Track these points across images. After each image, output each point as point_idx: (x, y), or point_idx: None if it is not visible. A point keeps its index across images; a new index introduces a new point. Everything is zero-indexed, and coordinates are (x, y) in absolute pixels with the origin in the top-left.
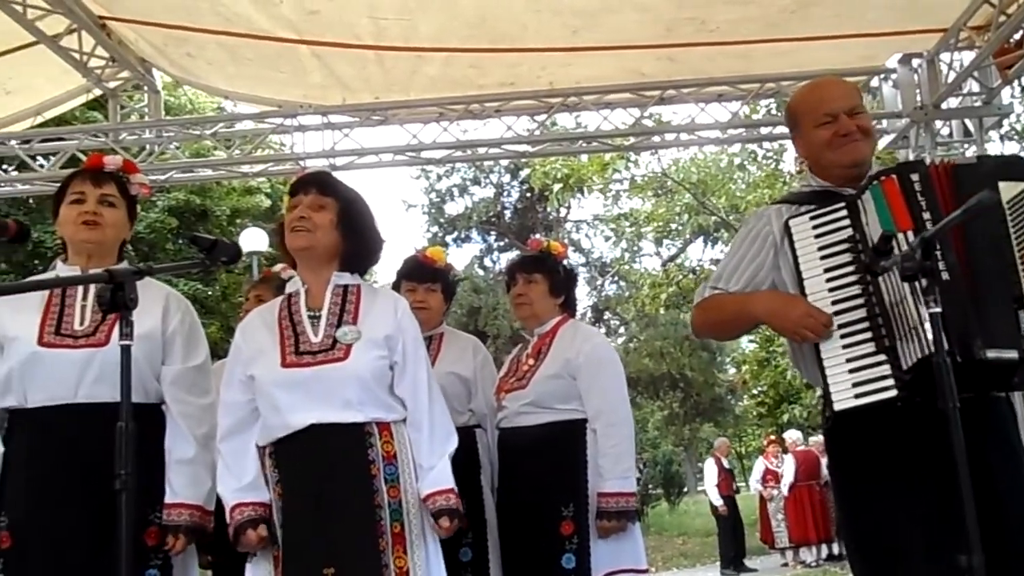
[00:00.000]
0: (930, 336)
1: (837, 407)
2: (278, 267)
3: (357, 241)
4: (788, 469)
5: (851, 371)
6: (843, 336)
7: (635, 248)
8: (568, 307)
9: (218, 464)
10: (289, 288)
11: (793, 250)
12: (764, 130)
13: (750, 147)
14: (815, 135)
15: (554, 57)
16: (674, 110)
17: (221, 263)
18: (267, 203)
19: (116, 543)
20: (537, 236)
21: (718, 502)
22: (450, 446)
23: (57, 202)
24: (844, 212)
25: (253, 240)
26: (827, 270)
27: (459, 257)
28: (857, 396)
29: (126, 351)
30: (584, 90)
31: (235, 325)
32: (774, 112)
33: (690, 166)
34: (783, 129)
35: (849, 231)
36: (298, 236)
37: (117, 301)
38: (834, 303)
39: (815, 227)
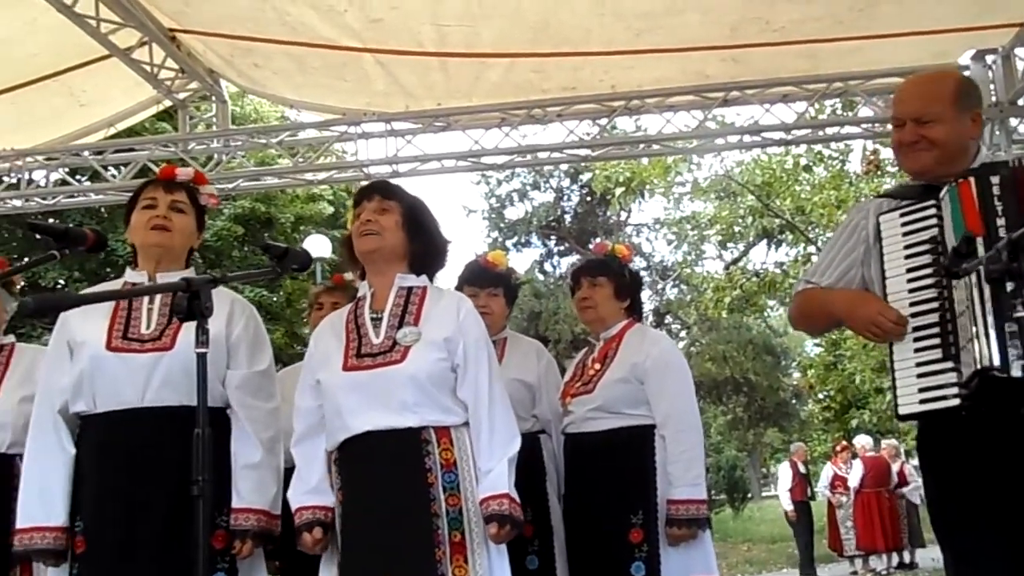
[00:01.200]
0: (986, 349)
1: (901, 411)
2: (350, 275)
3: (423, 242)
4: (855, 474)
5: (919, 376)
6: (916, 340)
7: (698, 251)
8: (634, 311)
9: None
10: (359, 293)
11: (881, 247)
12: (830, 130)
13: (816, 148)
14: (892, 136)
15: (616, 60)
16: (737, 111)
17: (292, 271)
18: (330, 210)
19: (192, 547)
20: (602, 240)
21: (789, 507)
22: (511, 449)
23: (129, 209)
24: (934, 211)
25: (316, 246)
26: (909, 270)
27: (519, 262)
28: (922, 402)
29: (202, 358)
30: (646, 93)
31: (299, 331)
32: (839, 112)
33: (754, 168)
34: (850, 129)
35: (935, 231)
36: (367, 239)
37: (193, 309)
38: (912, 304)
39: (904, 224)
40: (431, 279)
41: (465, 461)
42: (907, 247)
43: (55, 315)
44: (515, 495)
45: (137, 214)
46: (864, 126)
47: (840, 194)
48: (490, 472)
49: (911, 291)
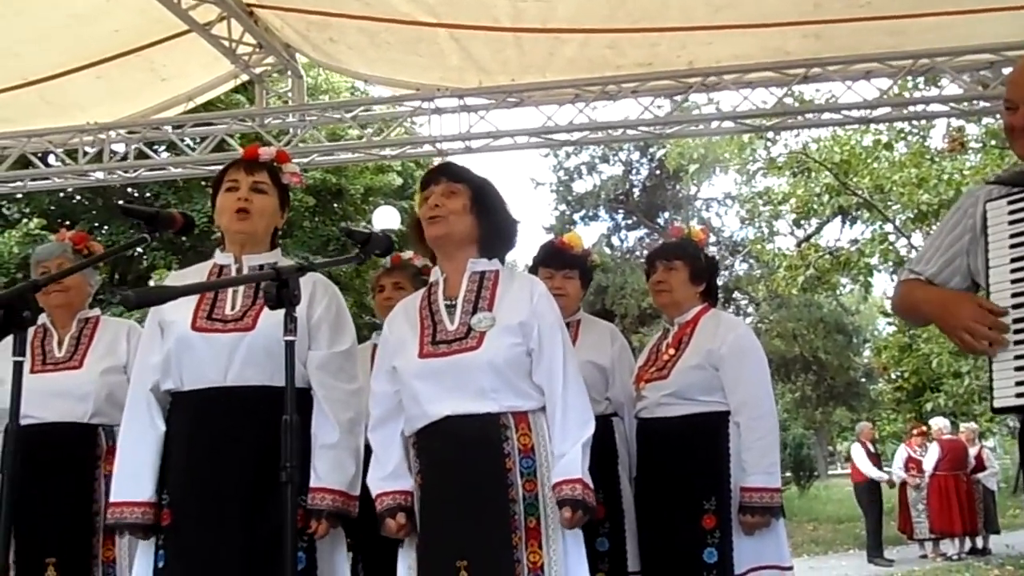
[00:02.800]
0: None
1: (996, 404)
2: (408, 254)
3: (492, 224)
4: (931, 457)
5: (1017, 369)
6: (1016, 332)
7: (770, 227)
8: (710, 296)
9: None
10: (431, 278)
11: (986, 236)
12: (914, 108)
13: (898, 125)
14: (1004, 119)
15: (694, 36)
16: (817, 88)
17: (375, 255)
18: (399, 181)
19: (273, 524)
20: (673, 219)
21: (874, 473)
22: (585, 433)
23: (215, 191)
24: None
25: (385, 218)
26: (1013, 260)
27: (587, 235)
28: (1018, 396)
29: (290, 346)
30: (724, 69)
31: (368, 302)
32: (922, 87)
33: (832, 145)
34: (936, 107)
35: None
36: (434, 225)
37: (282, 297)
38: (1013, 296)
39: (1011, 212)
40: (502, 261)
41: (542, 446)
42: (1012, 236)
43: (154, 305)
44: (589, 480)
45: (221, 197)
46: (952, 105)
47: (921, 172)
48: (563, 456)
49: (1013, 282)
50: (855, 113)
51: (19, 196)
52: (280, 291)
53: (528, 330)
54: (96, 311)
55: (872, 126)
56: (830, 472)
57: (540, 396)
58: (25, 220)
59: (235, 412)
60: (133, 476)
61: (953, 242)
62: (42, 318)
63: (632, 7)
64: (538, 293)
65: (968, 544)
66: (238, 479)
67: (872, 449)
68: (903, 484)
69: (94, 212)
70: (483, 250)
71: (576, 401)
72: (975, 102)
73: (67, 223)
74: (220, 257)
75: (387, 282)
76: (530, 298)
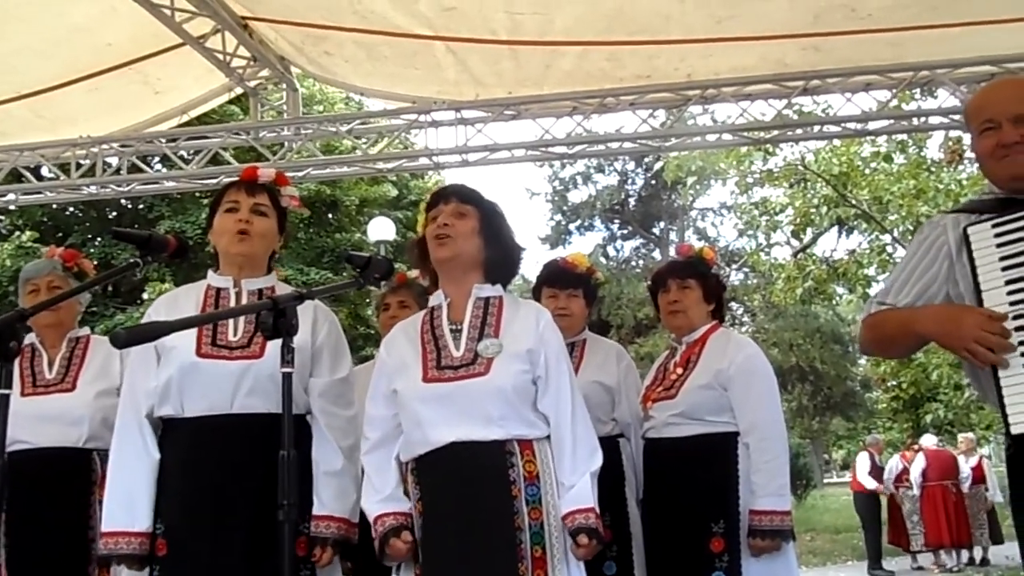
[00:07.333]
0: None
1: (1014, 430)
2: (414, 273)
3: (499, 248)
4: (916, 467)
5: None
6: (1023, 355)
7: (767, 238)
8: (718, 314)
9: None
10: (432, 302)
11: (971, 260)
12: (913, 120)
13: (897, 137)
14: (978, 143)
15: (694, 48)
16: (815, 100)
17: (375, 280)
18: (393, 192)
19: (275, 556)
20: (673, 233)
21: (872, 485)
22: (594, 464)
23: (212, 212)
24: None
25: (380, 229)
26: (1008, 282)
27: (582, 245)
28: None
29: (287, 377)
30: (723, 81)
31: (362, 312)
32: (918, 98)
33: (830, 156)
34: (935, 119)
35: None
36: (443, 246)
37: (279, 328)
38: (1015, 318)
39: (997, 235)
40: (504, 287)
41: (547, 474)
42: (1003, 258)
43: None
44: (598, 509)
45: (220, 218)
46: (953, 117)
47: (919, 183)
48: (573, 487)
49: (1013, 304)
50: (853, 125)
51: (12, 209)
52: (277, 321)
53: (535, 357)
54: (86, 330)
55: (871, 137)
56: (826, 481)
57: (544, 425)
58: (18, 233)
59: (239, 440)
60: (127, 505)
61: (926, 269)
62: (30, 338)
63: (630, 20)
64: (543, 321)
65: (966, 556)
66: (241, 508)
67: (877, 462)
68: (893, 496)
69: (87, 224)
70: (488, 275)
71: (584, 432)
72: None
73: (60, 235)
74: (216, 279)
75: (392, 301)
76: (536, 325)
